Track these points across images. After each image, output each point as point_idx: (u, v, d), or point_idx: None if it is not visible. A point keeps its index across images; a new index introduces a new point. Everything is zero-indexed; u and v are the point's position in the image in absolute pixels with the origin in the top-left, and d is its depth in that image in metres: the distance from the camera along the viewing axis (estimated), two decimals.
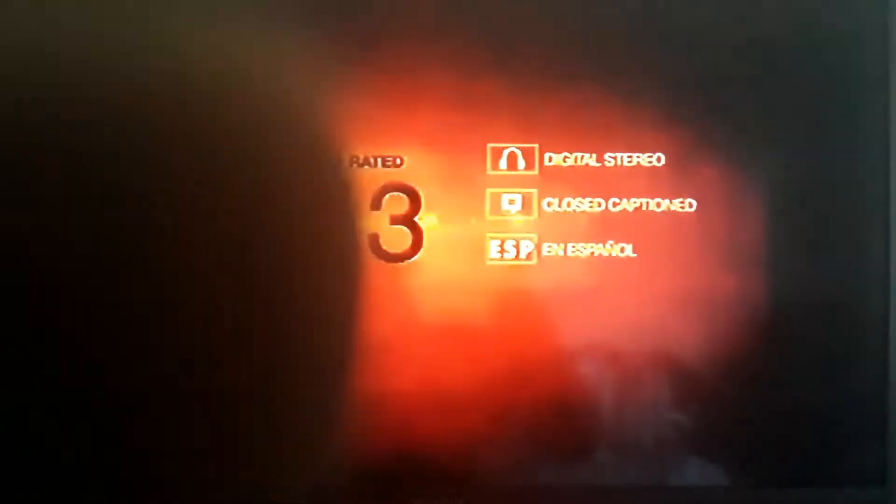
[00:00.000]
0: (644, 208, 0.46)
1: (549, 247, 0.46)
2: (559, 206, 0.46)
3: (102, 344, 0.16)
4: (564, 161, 0.46)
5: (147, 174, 0.17)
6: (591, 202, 0.46)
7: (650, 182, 0.46)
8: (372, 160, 0.46)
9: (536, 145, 0.46)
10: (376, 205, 0.46)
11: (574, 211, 0.46)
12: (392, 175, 0.46)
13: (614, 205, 0.46)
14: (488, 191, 0.46)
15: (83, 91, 0.16)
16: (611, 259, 0.46)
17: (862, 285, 0.46)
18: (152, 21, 0.18)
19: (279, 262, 0.20)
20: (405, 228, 0.46)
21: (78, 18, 0.17)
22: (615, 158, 0.46)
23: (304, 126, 0.20)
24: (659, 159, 0.46)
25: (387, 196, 0.46)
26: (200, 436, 0.17)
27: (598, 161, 0.46)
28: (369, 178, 0.46)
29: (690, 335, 0.46)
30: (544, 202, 0.46)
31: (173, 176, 0.17)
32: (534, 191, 0.46)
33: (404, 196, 0.46)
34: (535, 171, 0.46)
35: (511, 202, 0.46)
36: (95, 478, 0.16)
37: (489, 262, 0.46)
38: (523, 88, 0.46)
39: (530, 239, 0.46)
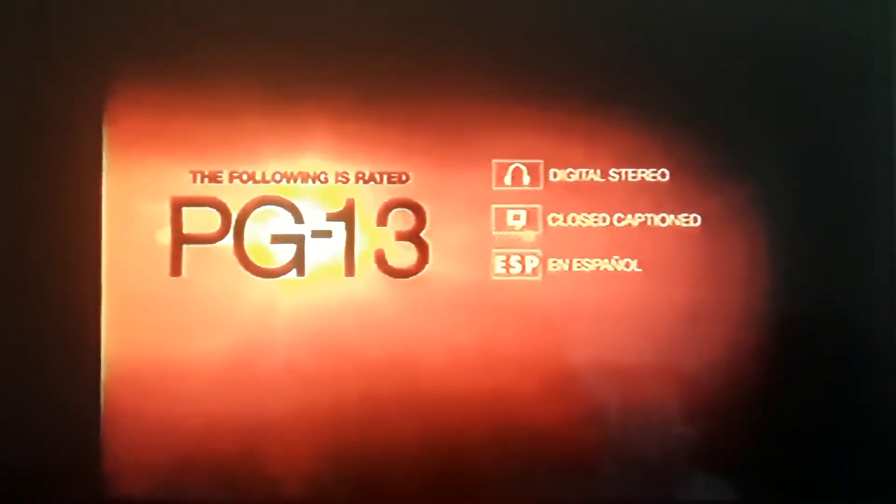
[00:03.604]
0: (649, 223, 0.47)
1: (555, 262, 0.46)
2: (564, 222, 0.47)
3: None
4: (569, 177, 0.47)
5: None
6: (596, 217, 0.47)
7: (655, 197, 0.46)
8: (378, 176, 0.47)
9: (541, 161, 0.47)
10: (382, 221, 0.47)
11: (579, 226, 0.47)
12: (397, 191, 0.47)
13: (619, 220, 0.47)
14: (493, 206, 0.47)
15: None
16: (616, 274, 0.46)
17: (869, 298, 0.46)
18: None
19: None
20: (411, 244, 0.47)
21: None
22: (620, 174, 0.47)
23: None
24: (664, 174, 0.47)
25: (392, 212, 0.47)
26: None
27: (602, 176, 0.47)
28: (375, 195, 0.47)
29: (696, 349, 0.46)
30: (549, 217, 0.47)
31: None
32: (539, 206, 0.47)
33: (410, 212, 0.47)
34: (541, 187, 0.47)
35: (516, 217, 0.47)
36: None
37: (494, 278, 0.46)
38: (528, 104, 0.47)
39: (535, 254, 0.46)
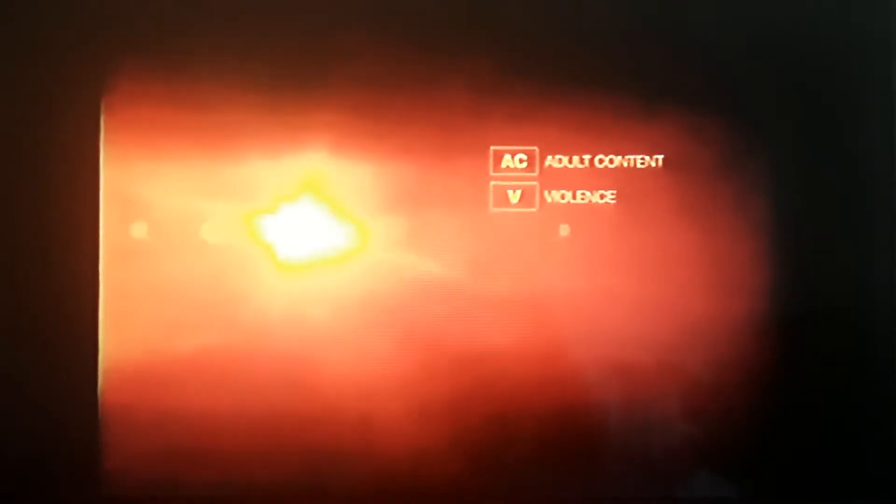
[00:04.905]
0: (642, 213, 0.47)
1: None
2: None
3: None
4: (561, 162, 0.47)
5: None
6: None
7: (647, 187, 0.46)
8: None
9: (536, 148, 0.47)
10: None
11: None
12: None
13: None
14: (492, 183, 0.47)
15: None
16: (613, 269, 0.46)
17: (870, 295, 0.47)
18: None
19: None
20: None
21: None
22: (618, 160, 0.47)
23: None
24: (657, 164, 0.47)
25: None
26: None
27: (599, 163, 0.47)
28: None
29: (697, 346, 0.46)
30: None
31: None
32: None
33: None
34: (536, 172, 0.47)
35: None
36: None
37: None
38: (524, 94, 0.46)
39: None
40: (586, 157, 0.46)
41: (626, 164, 0.46)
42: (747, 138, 0.47)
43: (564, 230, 0.46)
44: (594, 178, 0.46)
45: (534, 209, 0.47)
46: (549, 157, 0.47)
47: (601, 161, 0.46)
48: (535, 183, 0.47)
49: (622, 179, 0.46)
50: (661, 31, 0.47)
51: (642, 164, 0.46)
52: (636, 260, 0.46)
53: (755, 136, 0.47)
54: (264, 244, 0.46)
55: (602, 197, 0.46)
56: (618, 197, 0.46)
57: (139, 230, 0.46)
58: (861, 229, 0.46)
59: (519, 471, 0.46)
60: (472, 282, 0.46)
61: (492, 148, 0.46)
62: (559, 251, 0.46)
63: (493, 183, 0.47)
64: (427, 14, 0.47)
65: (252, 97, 0.46)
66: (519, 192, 0.47)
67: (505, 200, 0.47)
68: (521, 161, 0.47)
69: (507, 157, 0.47)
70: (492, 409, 0.46)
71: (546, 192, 0.47)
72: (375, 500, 0.46)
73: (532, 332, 0.46)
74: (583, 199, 0.46)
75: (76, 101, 0.46)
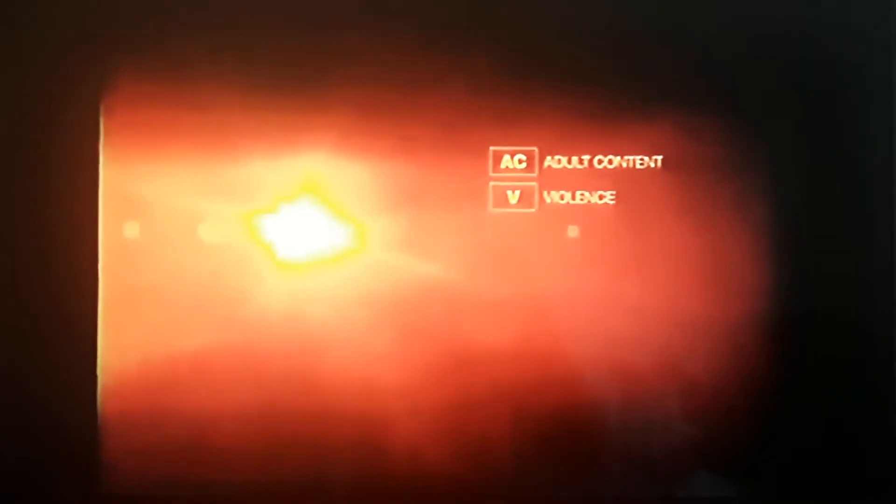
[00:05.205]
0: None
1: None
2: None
3: None
4: (560, 162, 0.47)
5: None
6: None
7: (647, 187, 0.46)
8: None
9: (536, 148, 0.47)
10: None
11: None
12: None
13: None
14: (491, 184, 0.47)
15: None
16: (613, 271, 0.46)
17: (869, 295, 0.46)
18: None
19: None
20: None
21: None
22: (617, 161, 0.47)
23: None
24: (656, 165, 0.47)
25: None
26: None
27: (598, 164, 0.47)
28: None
29: (697, 346, 0.46)
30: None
31: None
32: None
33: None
34: (535, 173, 0.47)
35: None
36: None
37: None
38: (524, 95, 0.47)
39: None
40: (585, 157, 0.47)
41: (625, 165, 0.46)
42: (747, 138, 0.46)
43: (573, 231, 0.46)
44: (593, 179, 0.46)
45: (533, 210, 0.47)
46: (549, 158, 0.47)
47: (600, 161, 0.47)
48: (534, 183, 0.47)
49: (621, 180, 0.46)
50: (661, 31, 0.47)
51: (642, 164, 0.46)
52: (635, 260, 0.46)
53: (755, 136, 0.46)
54: (264, 244, 0.46)
55: (601, 197, 0.46)
56: (617, 197, 0.46)
57: (139, 231, 0.46)
58: (861, 229, 0.46)
59: (519, 471, 0.46)
60: (471, 282, 0.46)
61: (491, 148, 0.47)
62: (558, 252, 0.46)
63: (492, 183, 0.47)
64: (427, 14, 0.47)
65: (252, 97, 0.46)
66: (518, 192, 0.47)
67: (504, 201, 0.47)
68: (520, 161, 0.47)
69: (507, 157, 0.47)
70: (492, 409, 0.46)
71: (545, 193, 0.47)
72: (375, 499, 0.46)
73: (531, 332, 0.46)
74: (582, 199, 0.46)
75: (76, 102, 0.46)
